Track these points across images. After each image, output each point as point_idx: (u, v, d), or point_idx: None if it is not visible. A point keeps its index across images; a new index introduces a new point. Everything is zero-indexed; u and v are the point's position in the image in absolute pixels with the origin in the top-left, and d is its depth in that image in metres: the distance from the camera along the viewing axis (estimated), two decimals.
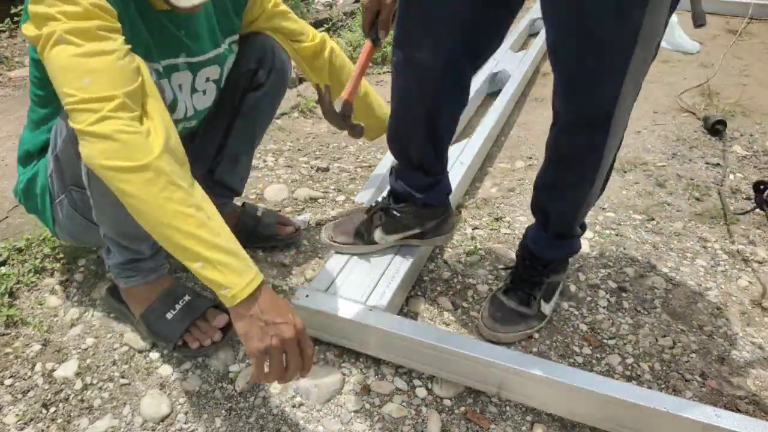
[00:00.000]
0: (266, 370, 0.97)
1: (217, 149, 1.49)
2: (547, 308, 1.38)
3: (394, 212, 1.40)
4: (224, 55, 1.31)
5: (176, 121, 1.26)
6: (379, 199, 1.46)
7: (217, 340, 1.26)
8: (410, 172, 1.36)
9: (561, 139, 1.21)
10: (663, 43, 3.55)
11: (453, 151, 1.89)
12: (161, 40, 1.16)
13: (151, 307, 1.27)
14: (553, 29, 1.09)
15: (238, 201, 1.64)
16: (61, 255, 1.54)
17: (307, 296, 1.28)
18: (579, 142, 1.17)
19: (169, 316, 1.25)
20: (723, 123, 2.37)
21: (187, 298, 1.29)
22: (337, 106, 1.32)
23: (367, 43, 1.30)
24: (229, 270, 0.95)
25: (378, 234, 1.40)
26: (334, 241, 1.42)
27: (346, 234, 1.42)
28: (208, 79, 1.30)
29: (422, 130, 1.27)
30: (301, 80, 2.81)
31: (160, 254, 1.29)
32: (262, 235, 1.60)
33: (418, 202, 1.39)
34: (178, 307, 1.27)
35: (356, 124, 1.37)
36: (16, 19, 2.98)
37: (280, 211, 1.80)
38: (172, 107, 1.23)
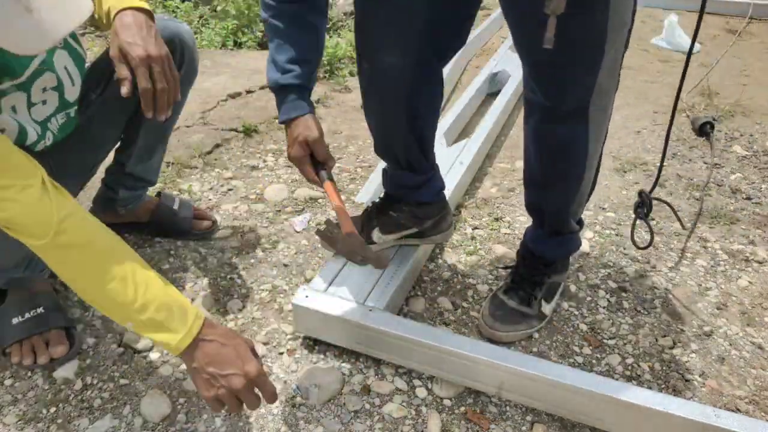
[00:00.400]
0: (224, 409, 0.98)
1: (125, 144, 1.48)
2: (547, 308, 1.38)
3: (390, 212, 1.39)
4: (49, 58, 1.16)
5: (33, 145, 1.20)
6: (376, 199, 1.46)
7: (41, 363, 1.22)
8: (400, 173, 1.37)
9: (540, 132, 1.20)
10: (663, 43, 3.57)
11: (453, 151, 1.89)
12: None
13: (4, 306, 1.26)
14: (517, 29, 1.10)
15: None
16: None
17: (306, 296, 1.28)
18: (560, 134, 1.17)
19: (14, 321, 1.24)
20: (711, 125, 2.37)
21: (40, 310, 1.26)
22: (347, 244, 1.25)
23: (326, 184, 1.21)
24: (160, 327, 0.94)
25: (376, 234, 1.40)
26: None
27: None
28: (45, 89, 1.18)
29: (404, 130, 1.28)
30: None
31: (31, 270, 1.27)
32: (178, 228, 1.62)
33: (412, 202, 1.39)
34: (27, 315, 1.25)
35: (376, 253, 1.31)
36: None
37: (279, 211, 1.80)
38: (21, 137, 1.16)
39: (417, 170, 1.36)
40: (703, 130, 2.37)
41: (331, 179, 1.22)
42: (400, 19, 1.12)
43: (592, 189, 1.33)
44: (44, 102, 1.21)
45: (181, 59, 1.34)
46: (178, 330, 0.95)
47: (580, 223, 1.38)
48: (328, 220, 1.39)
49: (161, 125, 1.47)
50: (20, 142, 1.16)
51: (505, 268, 1.53)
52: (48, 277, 1.34)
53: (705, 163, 2.19)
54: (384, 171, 1.42)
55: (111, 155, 1.54)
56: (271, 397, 0.98)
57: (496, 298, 1.39)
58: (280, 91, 1.18)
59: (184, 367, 1.25)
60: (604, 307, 1.47)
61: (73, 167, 1.49)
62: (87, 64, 1.31)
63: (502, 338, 1.32)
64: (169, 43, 1.31)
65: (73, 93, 1.27)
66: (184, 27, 1.36)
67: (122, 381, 1.22)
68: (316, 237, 1.31)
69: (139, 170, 1.53)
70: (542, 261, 1.38)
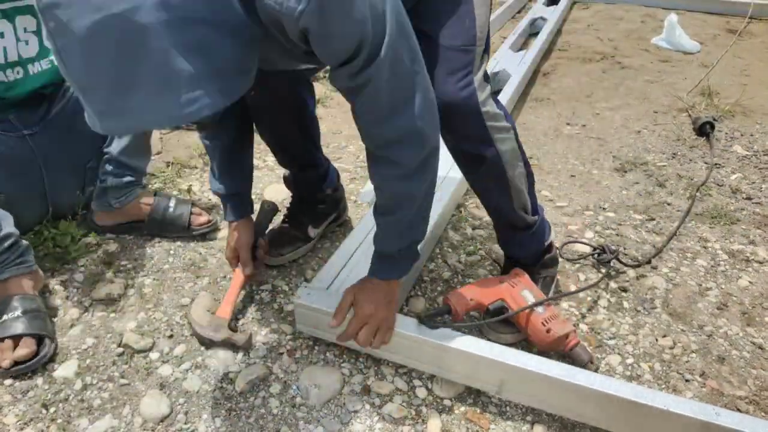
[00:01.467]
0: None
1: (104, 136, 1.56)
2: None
3: (318, 206, 1.63)
4: (28, 2, 1.39)
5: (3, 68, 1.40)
6: (287, 205, 1.67)
7: (4, 367, 1.20)
8: (304, 174, 1.58)
9: (455, 152, 1.25)
10: (663, 43, 3.57)
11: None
12: None
13: None
14: None
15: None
16: (62, 255, 1.54)
17: (308, 294, 1.28)
18: (467, 150, 1.22)
19: None
20: (711, 125, 2.37)
21: (17, 313, 1.25)
22: (207, 326, 1.32)
23: (236, 276, 1.42)
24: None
25: (311, 230, 1.62)
26: (281, 254, 1.57)
27: (288, 244, 1.59)
28: (26, 30, 1.41)
29: (296, 133, 1.48)
30: None
31: (17, 265, 1.30)
32: (175, 225, 1.63)
33: (324, 191, 1.62)
34: (4, 317, 1.24)
35: (234, 337, 1.30)
36: None
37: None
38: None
39: (318, 165, 1.58)
40: (703, 130, 2.37)
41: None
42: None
43: (531, 181, 1.33)
44: (27, 42, 1.40)
45: None
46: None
47: (535, 211, 1.36)
48: (187, 313, 1.39)
49: None
50: None
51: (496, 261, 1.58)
52: (46, 276, 1.34)
53: (705, 163, 2.19)
54: (286, 178, 1.63)
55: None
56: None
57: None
58: (222, 198, 1.41)
59: (184, 367, 1.25)
60: (604, 307, 1.47)
61: (61, 157, 1.53)
62: None
63: (510, 340, 1.32)
64: None
65: (32, 50, 1.44)
66: None
67: (122, 381, 1.22)
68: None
69: (122, 156, 1.57)
70: (518, 262, 1.38)
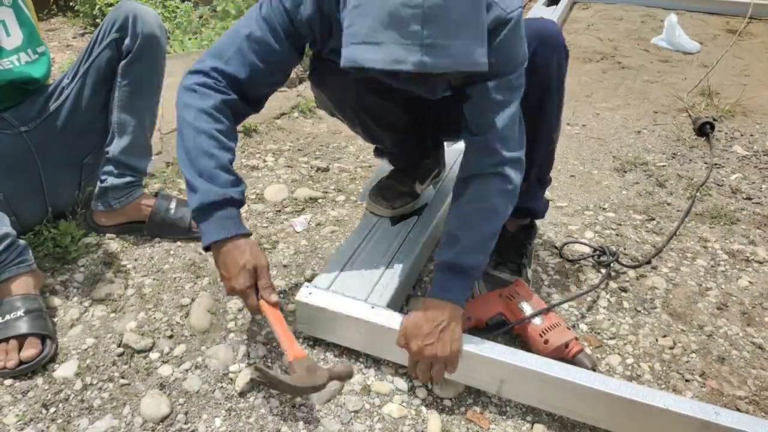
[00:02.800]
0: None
1: (104, 129, 1.56)
2: (530, 274, 1.49)
3: (425, 161, 1.59)
4: None
5: None
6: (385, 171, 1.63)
7: (10, 367, 1.20)
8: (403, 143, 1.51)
9: None
10: (663, 43, 3.57)
11: (453, 151, 1.89)
12: None
13: None
14: None
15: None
16: (62, 255, 1.54)
17: (310, 294, 1.28)
18: None
19: None
20: (711, 125, 2.37)
21: (20, 313, 1.24)
22: (300, 374, 1.10)
23: (270, 310, 1.15)
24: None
25: (417, 186, 1.58)
26: (393, 207, 1.55)
27: (398, 198, 1.56)
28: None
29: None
30: (300, 80, 2.81)
31: (17, 265, 1.29)
32: (176, 227, 1.63)
33: (427, 149, 1.59)
34: (8, 317, 1.24)
35: (338, 365, 1.17)
36: None
37: (279, 211, 1.80)
38: None
39: (403, 131, 1.47)
40: (703, 130, 2.37)
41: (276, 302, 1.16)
42: None
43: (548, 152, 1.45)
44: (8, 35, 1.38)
45: (134, 32, 1.46)
46: None
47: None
48: (255, 366, 1.15)
49: (133, 102, 1.55)
50: None
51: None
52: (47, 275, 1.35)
53: (705, 163, 2.19)
54: (379, 149, 1.60)
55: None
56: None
57: (489, 276, 1.43)
58: (222, 204, 1.12)
59: (184, 367, 1.25)
60: (604, 307, 1.47)
61: (58, 154, 1.55)
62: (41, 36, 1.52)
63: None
64: (121, 18, 1.46)
65: (8, 44, 1.42)
66: (146, 8, 1.49)
67: (122, 381, 1.22)
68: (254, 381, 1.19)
69: (122, 155, 1.57)
70: (536, 216, 1.51)
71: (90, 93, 1.54)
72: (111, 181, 1.57)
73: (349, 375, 1.14)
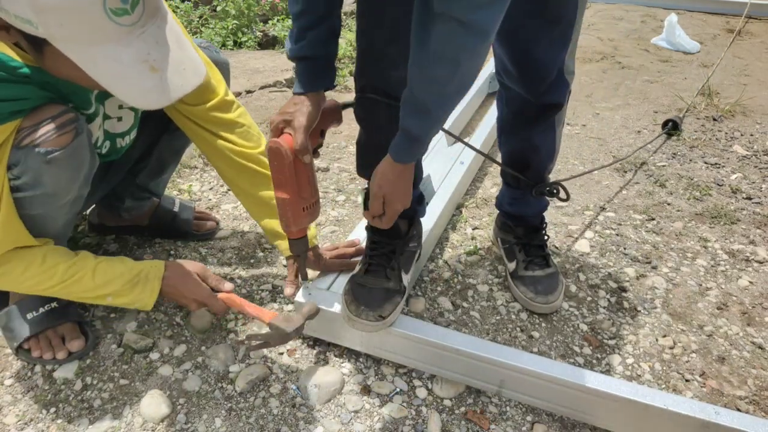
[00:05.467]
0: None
1: (140, 158, 1.50)
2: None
3: (407, 247, 1.34)
4: None
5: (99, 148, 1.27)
6: (368, 249, 1.33)
7: (60, 358, 1.24)
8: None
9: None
10: (663, 43, 3.57)
11: (453, 151, 1.89)
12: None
13: (19, 303, 1.26)
14: None
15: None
16: None
17: (310, 294, 1.28)
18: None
19: (29, 316, 1.24)
20: (674, 123, 2.38)
21: (54, 304, 1.26)
22: (282, 324, 1.17)
23: (229, 296, 1.25)
24: (125, 293, 1.17)
25: (405, 278, 1.29)
26: (384, 317, 1.19)
27: (384, 301, 1.21)
28: (121, 106, 1.26)
29: None
30: None
31: None
32: (178, 229, 1.62)
33: (418, 216, 1.41)
34: (42, 310, 1.25)
35: (303, 309, 1.23)
36: None
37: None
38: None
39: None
40: (665, 127, 2.38)
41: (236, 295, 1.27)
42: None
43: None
44: (120, 119, 1.28)
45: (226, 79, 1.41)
46: (139, 287, 1.18)
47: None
48: (247, 336, 1.20)
49: (177, 144, 1.51)
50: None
51: (512, 243, 1.55)
52: None
53: (705, 163, 2.19)
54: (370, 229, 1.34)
55: None
56: (220, 311, 1.24)
57: (525, 279, 1.45)
58: (297, 61, 1.11)
59: (184, 367, 1.25)
60: (604, 307, 1.47)
61: (97, 185, 1.49)
62: None
63: (559, 303, 1.43)
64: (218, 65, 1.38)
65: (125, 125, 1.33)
66: (218, 57, 1.42)
67: (122, 381, 1.22)
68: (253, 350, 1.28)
69: (150, 184, 1.55)
70: (536, 223, 1.50)
71: (145, 131, 1.44)
72: (129, 203, 1.56)
73: (316, 311, 1.23)
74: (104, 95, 1.21)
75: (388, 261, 1.28)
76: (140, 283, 1.18)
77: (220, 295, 1.25)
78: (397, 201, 1.10)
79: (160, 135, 1.47)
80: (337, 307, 1.24)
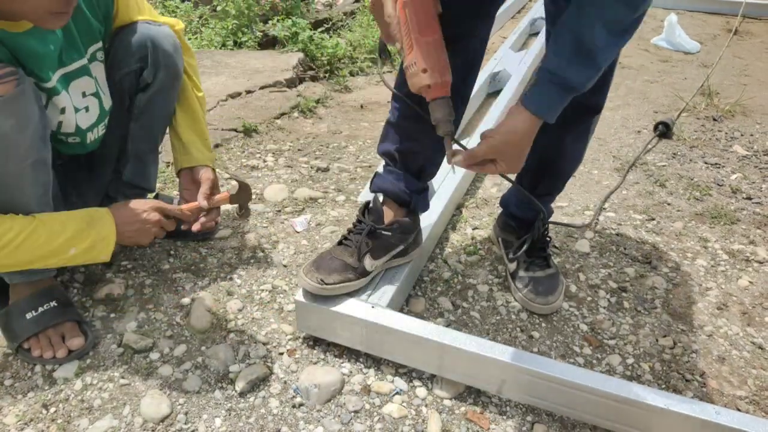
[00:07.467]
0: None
1: (119, 153, 1.50)
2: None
3: (383, 232, 1.34)
4: (87, 65, 1.27)
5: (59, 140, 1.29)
6: (351, 226, 1.37)
7: (60, 356, 1.24)
8: (406, 175, 1.37)
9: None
10: (663, 43, 3.57)
11: None
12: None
13: (17, 302, 1.26)
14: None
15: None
16: None
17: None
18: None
19: (29, 315, 1.25)
20: (666, 125, 2.38)
21: (53, 304, 1.27)
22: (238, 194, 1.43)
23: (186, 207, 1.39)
24: (84, 237, 1.16)
25: (368, 261, 1.31)
26: (326, 283, 1.24)
27: (335, 271, 1.26)
28: (85, 94, 1.27)
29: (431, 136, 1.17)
30: (300, 80, 2.81)
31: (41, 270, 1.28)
32: (178, 229, 1.60)
33: (408, 208, 1.39)
34: (40, 309, 1.25)
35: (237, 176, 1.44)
36: None
37: (279, 211, 1.80)
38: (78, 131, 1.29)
39: (423, 178, 1.40)
40: (657, 129, 2.38)
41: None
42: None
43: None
44: (87, 109, 1.29)
45: (154, 62, 1.36)
46: (95, 226, 1.19)
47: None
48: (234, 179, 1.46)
49: (147, 130, 1.50)
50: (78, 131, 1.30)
51: (517, 247, 1.52)
52: (55, 276, 1.34)
53: (705, 163, 2.19)
54: (382, 174, 1.41)
55: None
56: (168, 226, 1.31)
57: (527, 280, 1.45)
58: None
59: (184, 367, 1.25)
60: (604, 307, 1.47)
61: (88, 188, 1.50)
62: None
63: (559, 303, 1.44)
64: (142, 48, 1.34)
65: (107, 102, 1.35)
66: (163, 31, 1.36)
67: (122, 381, 1.22)
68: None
69: (136, 179, 1.55)
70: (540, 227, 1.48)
71: (114, 124, 1.45)
72: (121, 200, 1.55)
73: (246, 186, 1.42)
74: (67, 79, 1.23)
75: (358, 240, 1.32)
76: (94, 220, 1.19)
77: (175, 208, 1.34)
78: (514, 160, 1.06)
79: (128, 124, 1.46)
80: (336, 307, 1.24)
